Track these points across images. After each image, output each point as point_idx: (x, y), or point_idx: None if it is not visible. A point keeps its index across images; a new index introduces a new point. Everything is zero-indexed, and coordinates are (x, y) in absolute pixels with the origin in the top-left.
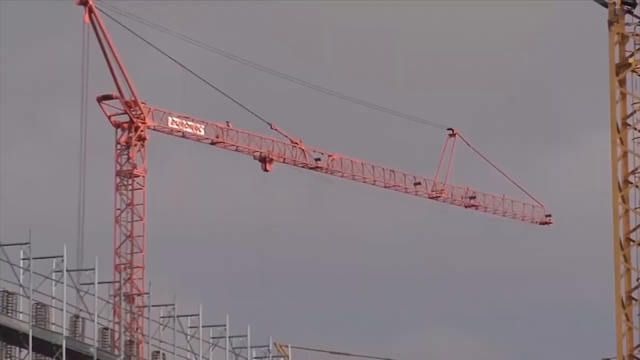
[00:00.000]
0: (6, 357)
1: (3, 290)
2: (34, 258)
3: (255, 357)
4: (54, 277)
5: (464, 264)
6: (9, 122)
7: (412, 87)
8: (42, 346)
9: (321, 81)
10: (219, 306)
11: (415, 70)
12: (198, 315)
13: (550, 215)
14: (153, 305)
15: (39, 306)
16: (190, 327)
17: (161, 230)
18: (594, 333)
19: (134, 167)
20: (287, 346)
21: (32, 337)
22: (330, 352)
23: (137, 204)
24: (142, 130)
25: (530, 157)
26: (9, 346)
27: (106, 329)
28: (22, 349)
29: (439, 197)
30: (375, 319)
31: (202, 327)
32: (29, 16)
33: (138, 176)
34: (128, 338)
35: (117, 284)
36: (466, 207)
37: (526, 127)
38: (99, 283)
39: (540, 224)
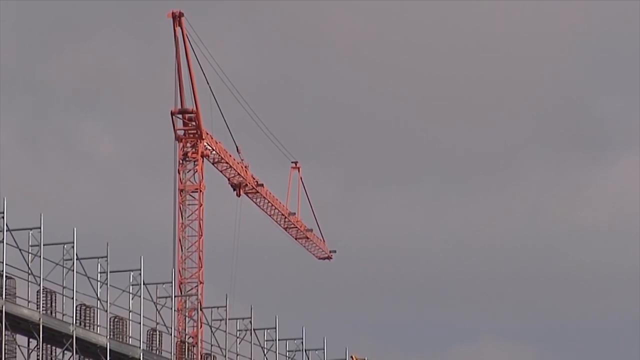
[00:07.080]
0: None
1: (81, 304)
2: (111, 272)
3: None
4: (131, 291)
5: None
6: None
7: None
8: (119, 359)
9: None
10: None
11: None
12: (275, 328)
13: (335, 252)
14: (230, 319)
15: (116, 319)
16: (267, 340)
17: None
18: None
19: (200, 182)
20: (364, 359)
21: (110, 350)
22: None
23: (199, 220)
24: (203, 146)
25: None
26: (86, 359)
27: (183, 342)
28: None
29: (294, 227)
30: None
31: (279, 340)
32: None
33: (201, 192)
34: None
35: (193, 297)
36: (297, 239)
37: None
38: (175, 297)
39: (319, 258)
